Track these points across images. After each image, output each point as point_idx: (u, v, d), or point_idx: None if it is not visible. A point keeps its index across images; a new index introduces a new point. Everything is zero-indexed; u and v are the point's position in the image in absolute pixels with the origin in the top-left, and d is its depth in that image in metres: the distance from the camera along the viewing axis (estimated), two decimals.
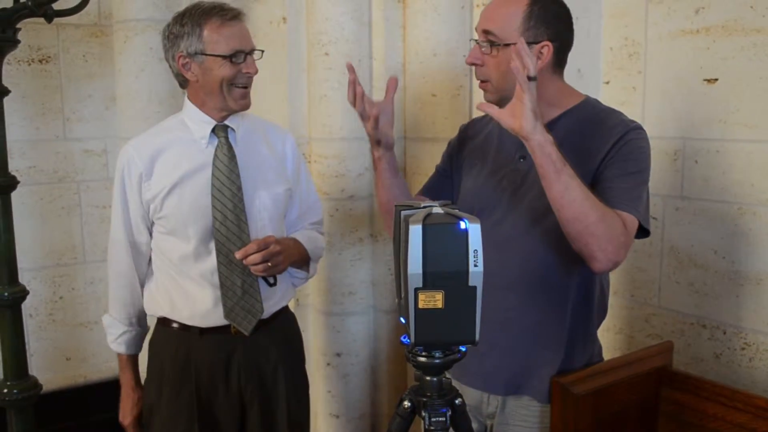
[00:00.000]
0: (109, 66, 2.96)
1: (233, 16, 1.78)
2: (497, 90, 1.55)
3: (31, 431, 2.25)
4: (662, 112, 2.02)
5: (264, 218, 1.89)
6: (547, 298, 1.56)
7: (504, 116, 1.39)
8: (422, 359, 1.16)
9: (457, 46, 2.30)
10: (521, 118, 1.35)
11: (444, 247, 1.03)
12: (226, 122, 1.86)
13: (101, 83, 2.99)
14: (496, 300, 1.45)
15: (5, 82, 2.11)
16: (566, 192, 1.37)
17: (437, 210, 1.08)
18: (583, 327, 1.61)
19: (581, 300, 1.58)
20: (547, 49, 1.51)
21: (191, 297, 1.85)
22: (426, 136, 2.44)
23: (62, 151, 2.96)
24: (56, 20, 2.10)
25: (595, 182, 1.48)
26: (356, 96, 1.59)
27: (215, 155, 1.83)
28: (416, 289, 1.04)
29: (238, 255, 1.75)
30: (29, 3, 2.00)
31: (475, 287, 1.04)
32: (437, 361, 1.16)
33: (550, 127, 1.50)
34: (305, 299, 2.74)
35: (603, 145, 1.49)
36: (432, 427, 1.18)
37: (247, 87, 1.82)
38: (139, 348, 2.01)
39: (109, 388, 2.03)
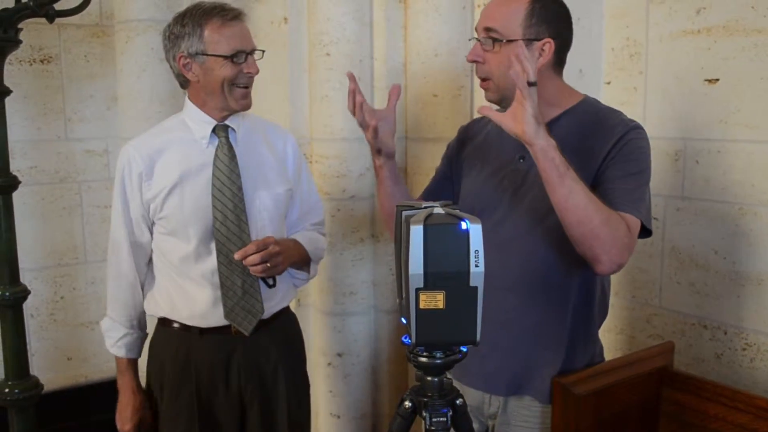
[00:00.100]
0: (110, 66, 2.96)
1: (234, 16, 1.78)
2: (498, 88, 1.55)
3: (32, 431, 2.25)
4: (663, 112, 2.02)
5: (264, 218, 1.89)
6: (547, 299, 1.56)
7: (506, 120, 1.39)
8: (423, 359, 1.16)
9: (458, 46, 2.30)
10: (523, 123, 1.35)
11: (445, 247, 1.03)
12: (227, 122, 1.86)
13: (103, 83, 2.99)
14: (497, 301, 1.45)
15: (7, 83, 2.11)
16: (570, 196, 1.37)
17: (438, 210, 1.08)
18: (584, 327, 1.60)
19: (582, 300, 1.58)
20: (549, 46, 1.51)
21: (191, 297, 1.85)
22: (427, 137, 2.44)
23: (64, 152, 2.96)
24: (58, 20, 2.10)
25: (596, 183, 1.48)
26: (356, 105, 1.58)
27: (216, 155, 1.83)
28: (417, 290, 1.04)
29: (237, 256, 1.74)
30: (31, 3, 2.00)
31: (476, 287, 1.04)
32: (438, 361, 1.16)
33: (551, 126, 1.50)
34: (306, 299, 2.74)
35: (604, 145, 1.49)
36: (433, 428, 1.18)
37: (248, 87, 1.82)
38: (140, 352, 1.98)
39: (111, 388, 2.01)
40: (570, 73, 1.63)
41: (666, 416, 1.71)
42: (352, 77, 1.60)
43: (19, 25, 2.06)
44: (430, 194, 1.79)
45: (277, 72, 2.66)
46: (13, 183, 2.16)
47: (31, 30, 2.64)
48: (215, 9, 1.77)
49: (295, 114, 2.68)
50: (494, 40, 1.52)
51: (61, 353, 3.05)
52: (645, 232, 1.51)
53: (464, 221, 1.03)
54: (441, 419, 1.18)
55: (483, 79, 1.58)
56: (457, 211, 1.08)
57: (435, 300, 1.04)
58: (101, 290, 3.04)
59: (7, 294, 2.15)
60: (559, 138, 1.41)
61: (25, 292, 2.21)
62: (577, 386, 1.53)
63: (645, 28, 2.05)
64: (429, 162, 2.33)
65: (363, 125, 1.60)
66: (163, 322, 1.92)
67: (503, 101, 1.54)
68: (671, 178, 2.01)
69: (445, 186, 1.79)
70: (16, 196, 2.19)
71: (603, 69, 2.17)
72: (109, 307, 1.95)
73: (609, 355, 1.84)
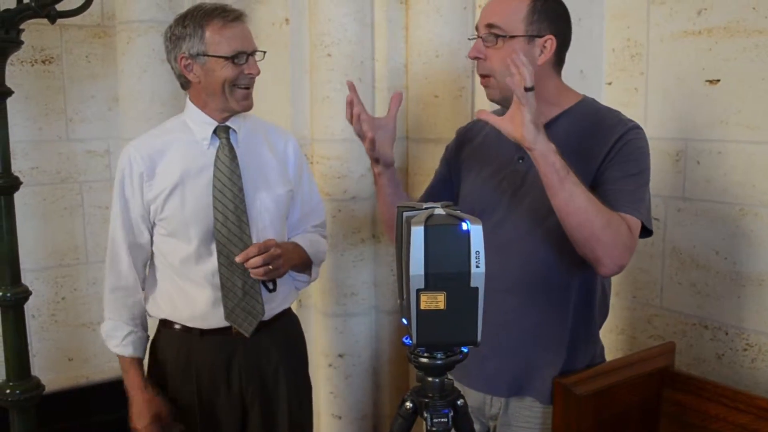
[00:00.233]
0: (111, 67, 2.97)
1: (235, 17, 1.78)
2: (500, 85, 1.54)
3: None
4: (664, 113, 2.02)
5: (265, 219, 1.89)
6: (548, 300, 1.57)
7: (504, 124, 1.39)
8: (424, 360, 1.16)
9: (459, 47, 2.30)
10: (522, 129, 1.35)
11: (446, 248, 1.03)
12: (228, 123, 1.86)
13: (104, 84, 2.99)
14: (497, 302, 1.44)
15: (8, 83, 2.11)
16: (571, 200, 1.37)
17: (439, 211, 1.08)
18: (584, 328, 1.61)
19: (582, 301, 1.58)
20: (551, 42, 1.52)
21: (191, 298, 1.85)
22: (428, 137, 2.44)
23: (65, 152, 2.96)
24: (59, 21, 2.10)
25: (595, 183, 1.48)
26: (353, 117, 1.58)
27: (217, 156, 1.83)
28: (418, 291, 1.04)
29: (238, 258, 1.74)
30: (32, 4, 2.00)
31: (476, 288, 1.04)
32: (439, 362, 1.16)
33: (550, 126, 1.50)
34: (307, 300, 2.75)
35: (603, 146, 1.49)
36: (434, 428, 1.18)
37: (249, 88, 1.82)
38: (144, 352, 1.96)
39: (112, 389, 2.02)
40: (571, 74, 1.63)
41: (667, 417, 1.71)
42: (352, 86, 1.59)
43: (21, 26, 2.06)
44: (430, 197, 1.79)
45: (279, 73, 2.66)
46: (15, 183, 2.16)
47: (33, 31, 2.64)
48: (216, 10, 1.77)
49: (296, 115, 2.68)
50: (496, 36, 1.52)
51: (62, 354, 3.05)
52: (645, 231, 1.51)
53: (465, 222, 1.03)
54: (442, 420, 1.18)
55: (484, 77, 1.58)
56: (458, 211, 1.08)
57: (436, 301, 1.04)
58: (102, 291, 3.04)
59: (9, 294, 2.15)
60: (558, 138, 1.41)
61: (26, 293, 2.21)
62: (578, 387, 1.53)
63: (646, 29, 2.05)
64: (430, 163, 2.33)
65: (360, 135, 1.60)
66: (164, 324, 1.92)
67: (505, 100, 1.53)
68: (672, 178, 2.01)
69: (444, 188, 1.79)
70: (18, 197, 2.19)
71: (604, 70, 2.17)
72: (107, 310, 1.93)
73: (610, 355, 1.84)
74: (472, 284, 1.04)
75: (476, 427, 1.38)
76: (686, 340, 2.01)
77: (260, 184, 1.88)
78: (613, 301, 1.75)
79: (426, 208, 1.10)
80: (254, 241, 1.83)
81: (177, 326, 1.89)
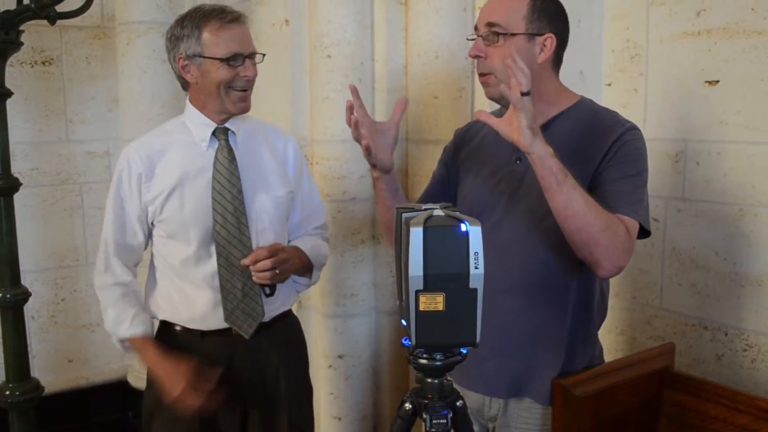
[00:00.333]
0: (111, 68, 2.97)
1: (233, 18, 1.77)
2: (500, 83, 1.53)
3: None
4: (663, 113, 2.02)
5: (264, 221, 1.89)
6: (546, 301, 1.56)
7: (502, 127, 1.39)
8: (423, 361, 1.16)
9: (459, 48, 2.30)
10: (518, 133, 1.35)
11: (445, 249, 1.03)
12: (227, 125, 1.85)
13: (104, 85, 3.00)
14: (496, 303, 1.44)
15: (8, 84, 2.11)
16: (569, 203, 1.37)
17: (438, 212, 1.08)
18: (583, 329, 1.60)
19: (581, 301, 1.58)
20: (551, 41, 1.52)
21: (191, 300, 1.86)
22: (428, 138, 2.44)
23: (65, 153, 2.97)
24: (59, 22, 2.11)
25: (593, 185, 1.48)
26: (352, 123, 1.58)
27: (216, 158, 1.83)
28: (417, 292, 1.04)
29: (246, 262, 1.74)
30: (32, 5, 2.01)
31: (475, 289, 1.04)
32: (438, 363, 1.16)
33: (547, 126, 1.50)
34: (307, 301, 2.75)
35: (601, 146, 1.49)
36: (433, 430, 1.18)
37: (245, 90, 1.81)
38: (153, 331, 1.90)
39: (112, 391, 2.02)
40: (570, 75, 1.63)
41: (666, 417, 1.71)
42: (355, 91, 1.59)
43: (21, 27, 2.06)
44: (428, 198, 1.78)
45: (279, 74, 2.66)
46: (14, 185, 2.16)
47: (33, 32, 2.65)
48: (215, 11, 1.77)
49: (296, 116, 2.68)
50: (497, 34, 1.52)
51: (61, 355, 3.05)
52: (643, 232, 1.51)
53: (464, 223, 1.03)
54: (441, 421, 1.18)
55: (484, 75, 1.57)
56: (457, 213, 1.08)
57: (435, 302, 1.05)
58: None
59: (8, 296, 2.16)
60: (555, 139, 1.41)
61: (25, 294, 2.21)
62: (577, 388, 1.53)
63: (645, 30, 2.05)
64: (429, 163, 2.33)
65: (358, 140, 1.60)
66: (165, 325, 1.92)
67: (503, 99, 1.53)
68: (672, 179, 2.01)
69: (442, 190, 1.79)
70: (17, 198, 2.20)
71: (603, 71, 2.17)
72: (107, 302, 1.89)
73: (609, 356, 1.84)
74: (471, 285, 1.04)
75: (475, 428, 1.37)
76: (686, 341, 2.01)
77: (259, 186, 1.88)
78: (612, 301, 1.75)
79: (425, 210, 1.10)
80: (253, 242, 1.83)
81: (177, 328, 1.89)
